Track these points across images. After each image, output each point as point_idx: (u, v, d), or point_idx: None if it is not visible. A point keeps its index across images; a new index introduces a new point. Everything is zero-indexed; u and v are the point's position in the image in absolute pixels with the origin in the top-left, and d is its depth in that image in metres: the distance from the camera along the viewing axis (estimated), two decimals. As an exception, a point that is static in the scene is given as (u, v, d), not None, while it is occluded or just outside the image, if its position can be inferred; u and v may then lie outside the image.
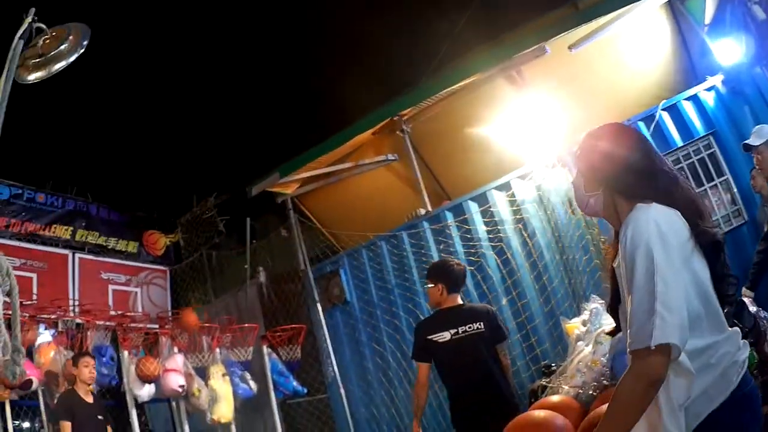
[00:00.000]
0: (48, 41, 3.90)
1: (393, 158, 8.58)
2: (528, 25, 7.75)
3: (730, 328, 2.33)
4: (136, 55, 11.32)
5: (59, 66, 3.92)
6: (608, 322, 4.46)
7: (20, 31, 3.78)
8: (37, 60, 3.88)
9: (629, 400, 2.13)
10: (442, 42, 10.45)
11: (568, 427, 3.53)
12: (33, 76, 3.90)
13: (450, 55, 9.73)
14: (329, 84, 11.63)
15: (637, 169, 2.40)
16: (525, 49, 6.72)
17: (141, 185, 12.07)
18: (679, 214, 2.29)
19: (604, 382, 4.07)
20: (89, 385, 6.65)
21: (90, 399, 6.66)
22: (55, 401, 6.72)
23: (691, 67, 7.40)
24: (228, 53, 12.08)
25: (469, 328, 5.29)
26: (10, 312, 3.41)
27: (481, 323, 5.30)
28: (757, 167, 5.69)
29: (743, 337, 2.36)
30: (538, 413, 3.73)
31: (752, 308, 4.27)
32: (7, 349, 3.15)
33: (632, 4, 6.33)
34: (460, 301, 5.54)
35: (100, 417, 6.68)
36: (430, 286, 5.57)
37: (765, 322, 4.16)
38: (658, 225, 2.20)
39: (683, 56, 7.43)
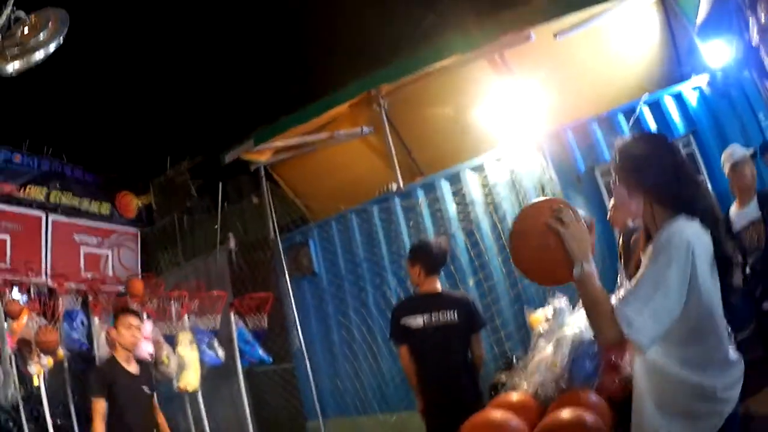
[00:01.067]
0: (27, 32, 3.85)
1: (368, 130, 8.54)
2: (514, 9, 7.70)
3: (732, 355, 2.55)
4: (114, 17, 11.20)
5: (38, 57, 3.87)
6: (571, 322, 4.48)
7: None
8: (16, 50, 3.82)
9: (597, 321, 2.42)
10: (426, 16, 10.37)
11: (523, 430, 3.55)
12: (11, 67, 3.84)
13: (433, 31, 9.68)
14: (309, 53, 11.56)
15: (669, 179, 2.59)
16: (509, 33, 6.67)
17: (115, 146, 12.00)
18: (705, 227, 2.49)
19: (562, 385, 4.09)
20: (131, 351, 5.74)
21: (133, 368, 5.72)
22: (91, 372, 5.89)
23: (677, 64, 7.35)
24: (208, 18, 11.97)
25: (443, 316, 5.22)
26: None
27: (456, 312, 5.22)
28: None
29: None
30: (495, 414, 3.74)
31: None
32: None
33: (621, -2, 6.33)
34: (438, 287, 5.43)
35: (145, 389, 5.74)
36: (409, 265, 5.53)
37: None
38: (691, 242, 2.40)
39: (671, 52, 7.37)
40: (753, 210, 5.39)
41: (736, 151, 5.51)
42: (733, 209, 5.50)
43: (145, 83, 12.13)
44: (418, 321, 5.27)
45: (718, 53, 6.57)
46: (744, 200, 5.45)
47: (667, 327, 2.37)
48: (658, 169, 2.61)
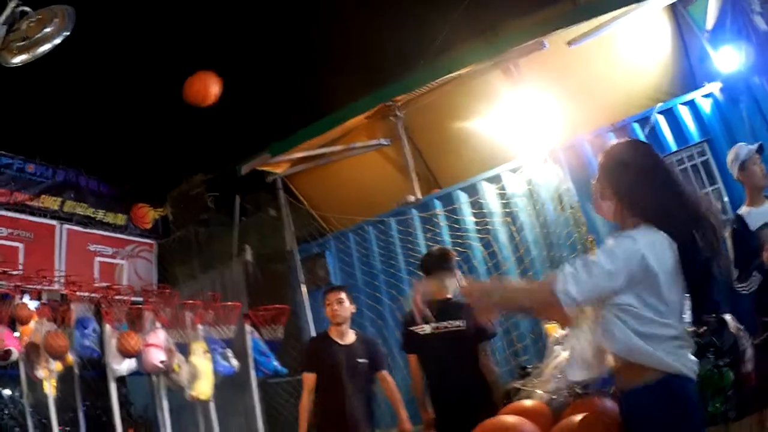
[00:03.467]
0: (33, 25, 3.85)
1: (385, 143, 8.55)
2: (527, 18, 7.72)
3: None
4: (129, 29, 11.26)
5: (44, 49, 3.88)
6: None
7: (3, 16, 3.73)
8: (22, 43, 3.83)
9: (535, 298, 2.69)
10: (440, 29, 10.39)
11: None
12: (18, 59, 3.85)
13: (448, 43, 9.69)
14: (324, 65, 11.59)
15: (643, 187, 2.67)
16: (523, 43, 6.69)
17: (131, 158, 12.02)
18: (671, 242, 2.54)
19: (578, 390, 4.04)
20: (340, 324, 5.80)
21: (346, 340, 5.82)
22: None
23: (689, 71, 7.34)
24: (223, 31, 12.02)
25: (450, 324, 5.22)
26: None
27: (463, 321, 5.21)
28: None
29: (720, 356, 2.53)
30: (508, 418, 3.70)
31: (732, 325, 4.22)
32: None
33: (632, 5, 6.31)
34: (449, 295, 5.42)
35: (361, 360, 5.77)
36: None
37: (745, 341, 4.11)
38: (645, 254, 2.48)
39: (683, 60, 7.37)
40: None
41: (741, 149, 5.29)
42: (745, 209, 5.24)
43: (161, 96, 12.16)
44: (425, 328, 5.27)
45: (728, 60, 6.54)
46: (756, 199, 5.22)
47: (595, 295, 2.51)
48: (632, 176, 2.70)
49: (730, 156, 5.41)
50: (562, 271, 2.52)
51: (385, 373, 5.90)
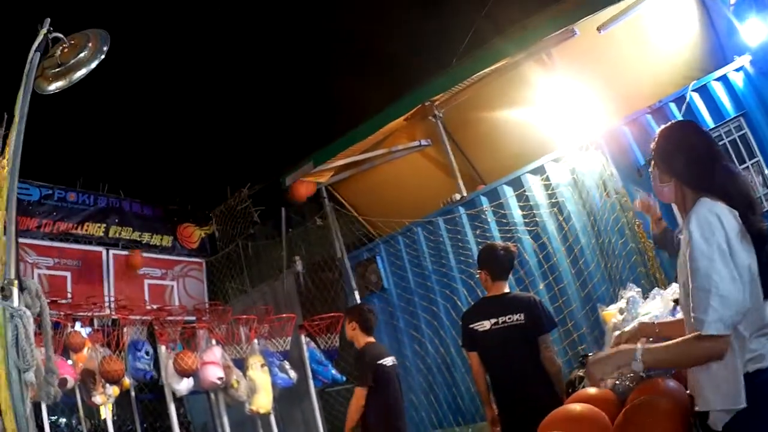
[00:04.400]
0: (66, 50, 3.86)
1: (426, 144, 8.58)
2: (556, 6, 7.67)
3: None
4: (166, 49, 11.36)
5: (80, 74, 3.87)
6: (644, 311, 4.39)
7: (36, 43, 3.74)
8: (57, 70, 3.84)
9: (686, 357, 2.58)
10: (471, 24, 10.35)
11: (604, 421, 3.46)
12: (53, 86, 3.86)
13: (480, 38, 9.65)
14: (359, 71, 11.61)
15: (699, 164, 2.72)
16: (554, 32, 6.65)
17: (173, 179, 12.12)
18: (733, 210, 2.55)
19: (641, 374, 3.98)
20: None
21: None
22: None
23: (719, 46, 7.18)
24: (259, 44, 12.09)
25: (509, 318, 5.24)
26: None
27: (522, 314, 5.23)
28: None
29: None
30: (575, 407, 3.65)
31: None
32: (40, 372, 3.14)
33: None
34: (506, 290, 5.50)
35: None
36: (477, 272, 5.63)
37: None
38: (720, 219, 2.50)
39: (711, 36, 7.22)
40: None
41: None
42: None
43: (199, 114, 12.28)
44: (485, 324, 5.32)
45: (756, 31, 6.44)
46: None
47: (739, 309, 2.41)
48: (687, 157, 2.76)
49: None
50: (696, 306, 2.44)
51: None
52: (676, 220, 5.49)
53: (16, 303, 2.99)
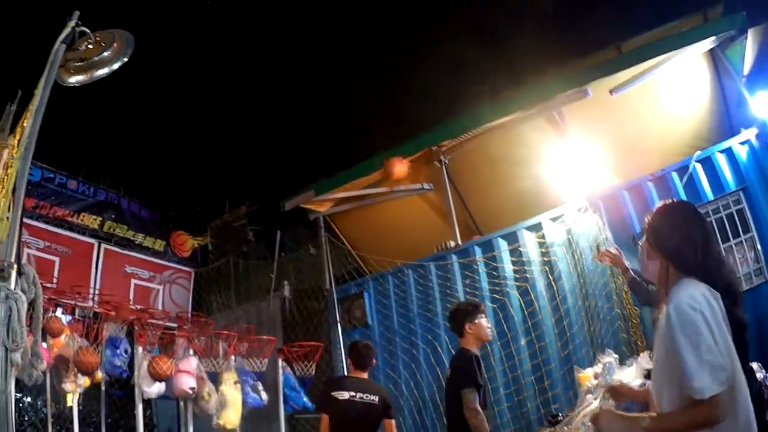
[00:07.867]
0: (91, 46, 3.92)
1: (428, 188, 8.64)
2: (570, 66, 7.78)
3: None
4: (180, 58, 11.46)
5: (101, 73, 3.93)
6: (618, 378, 4.45)
7: (63, 35, 3.80)
8: (79, 64, 3.89)
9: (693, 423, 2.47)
10: (485, 77, 10.48)
11: None
12: (74, 80, 3.90)
13: (493, 90, 9.77)
14: (371, 107, 11.68)
15: (691, 249, 2.73)
16: (566, 90, 6.77)
17: (174, 185, 12.15)
18: (716, 293, 2.59)
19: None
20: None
21: None
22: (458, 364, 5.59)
23: (727, 117, 7.33)
24: (272, 68, 12.18)
25: (366, 396, 6.16)
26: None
27: (377, 397, 6.18)
28: None
29: None
30: None
31: (759, 375, 4.21)
32: (26, 354, 3.20)
33: (675, 51, 6.40)
34: (365, 376, 6.44)
35: None
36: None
37: None
38: (705, 297, 2.52)
39: (720, 105, 7.36)
40: None
41: None
42: None
43: (208, 126, 12.34)
44: (344, 395, 6.17)
45: (765, 105, 6.54)
46: None
47: (727, 369, 2.42)
48: (678, 238, 2.78)
49: None
50: (687, 373, 2.43)
51: None
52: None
53: (12, 286, 3.06)
